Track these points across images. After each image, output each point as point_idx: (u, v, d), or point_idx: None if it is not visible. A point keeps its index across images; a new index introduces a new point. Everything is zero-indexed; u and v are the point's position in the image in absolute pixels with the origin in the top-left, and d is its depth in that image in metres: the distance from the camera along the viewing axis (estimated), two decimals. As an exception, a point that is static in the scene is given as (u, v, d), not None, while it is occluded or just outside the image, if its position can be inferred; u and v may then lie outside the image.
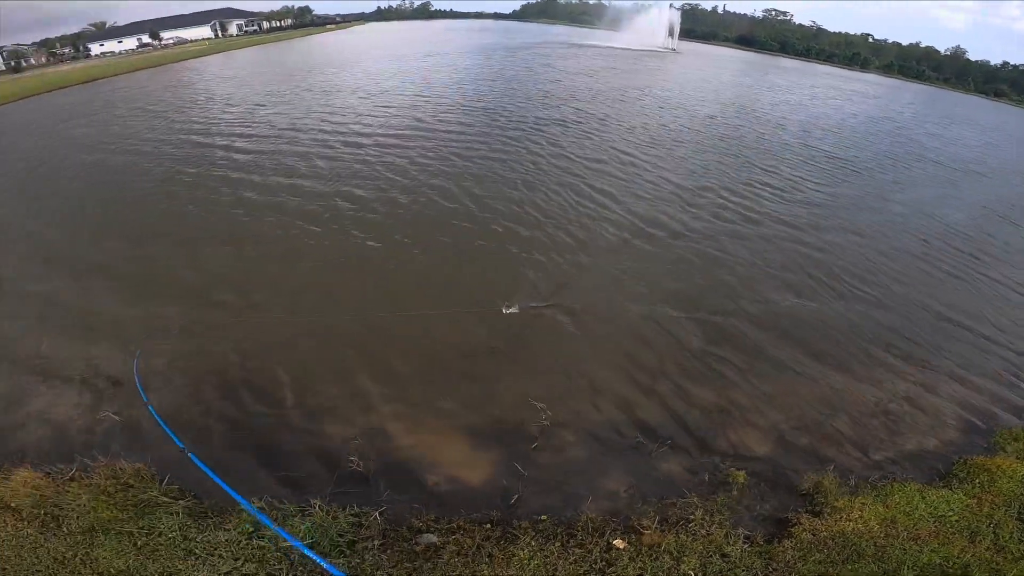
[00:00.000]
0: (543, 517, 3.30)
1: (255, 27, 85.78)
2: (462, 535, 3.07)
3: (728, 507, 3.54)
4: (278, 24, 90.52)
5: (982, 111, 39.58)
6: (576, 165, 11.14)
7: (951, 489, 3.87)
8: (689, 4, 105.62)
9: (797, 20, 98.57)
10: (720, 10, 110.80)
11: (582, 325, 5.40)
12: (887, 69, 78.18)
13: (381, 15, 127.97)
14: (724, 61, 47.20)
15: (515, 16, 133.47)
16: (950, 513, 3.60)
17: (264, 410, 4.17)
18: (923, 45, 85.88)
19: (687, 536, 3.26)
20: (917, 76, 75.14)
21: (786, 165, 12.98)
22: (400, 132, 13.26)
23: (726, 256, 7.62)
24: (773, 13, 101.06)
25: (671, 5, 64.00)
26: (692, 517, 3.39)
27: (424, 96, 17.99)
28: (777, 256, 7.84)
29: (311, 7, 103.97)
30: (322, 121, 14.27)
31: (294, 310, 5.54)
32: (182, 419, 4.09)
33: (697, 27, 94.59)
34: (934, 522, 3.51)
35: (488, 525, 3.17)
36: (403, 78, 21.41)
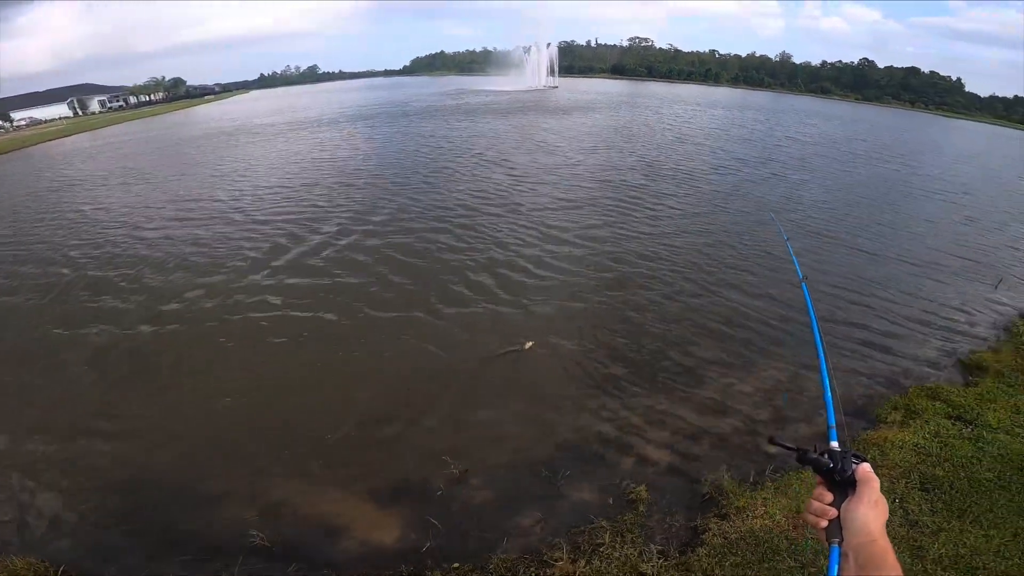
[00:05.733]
0: (455, 565, 3.24)
1: (120, 103, 79.73)
2: (372, 593, 3.03)
3: (638, 525, 3.50)
4: (148, 98, 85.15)
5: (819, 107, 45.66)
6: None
7: (847, 469, 4.00)
8: (565, 42, 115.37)
9: (657, 45, 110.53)
10: (593, 43, 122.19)
11: (464, 368, 5.44)
12: (735, 81, 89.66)
13: (264, 82, 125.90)
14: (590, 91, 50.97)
15: (406, 71, 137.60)
16: (852, 493, 3.66)
17: (163, 496, 4.03)
18: (758, 54, 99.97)
19: (600, 561, 3.17)
20: (759, 84, 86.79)
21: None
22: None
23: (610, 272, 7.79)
24: (637, 41, 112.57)
25: (548, 44, 68.83)
26: (602, 541, 3.32)
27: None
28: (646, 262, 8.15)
29: (183, 78, 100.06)
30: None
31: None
32: (79, 506, 3.98)
33: (575, 62, 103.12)
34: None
35: (398, 581, 3.13)
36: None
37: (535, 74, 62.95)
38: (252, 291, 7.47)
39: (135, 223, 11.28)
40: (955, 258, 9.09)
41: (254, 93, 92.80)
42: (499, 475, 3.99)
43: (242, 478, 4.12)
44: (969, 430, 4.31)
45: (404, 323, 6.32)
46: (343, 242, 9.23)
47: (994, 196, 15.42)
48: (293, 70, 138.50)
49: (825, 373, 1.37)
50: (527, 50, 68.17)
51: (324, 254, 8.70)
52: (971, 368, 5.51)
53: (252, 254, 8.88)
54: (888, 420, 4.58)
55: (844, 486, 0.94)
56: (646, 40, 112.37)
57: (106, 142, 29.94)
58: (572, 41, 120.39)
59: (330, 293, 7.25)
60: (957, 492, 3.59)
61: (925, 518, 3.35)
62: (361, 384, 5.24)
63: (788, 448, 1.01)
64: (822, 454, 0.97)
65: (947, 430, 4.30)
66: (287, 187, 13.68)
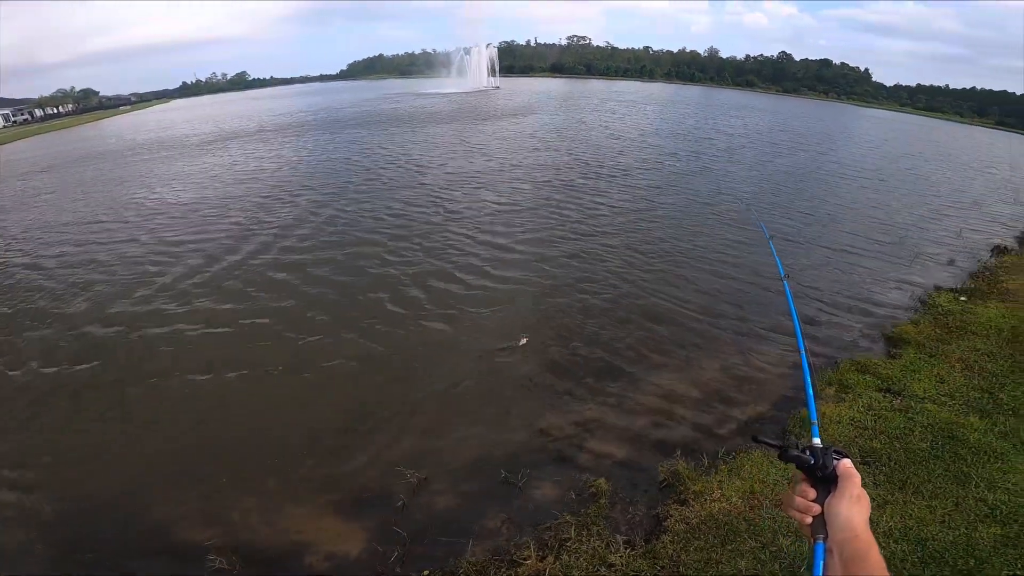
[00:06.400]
0: (425, 572, 3.22)
1: (25, 116, 72.73)
2: (345, 605, 3.00)
3: (601, 517, 3.52)
4: (56, 110, 78.06)
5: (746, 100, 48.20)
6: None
7: (792, 447, 4.14)
8: (505, 42, 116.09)
9: (595, 43, 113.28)
10: (533, 43, 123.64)
11: (412, 377, 5.36)
12: (668, 76, 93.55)
13: (188, 91, 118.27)
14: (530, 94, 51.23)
15: (343, 76, 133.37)
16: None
17: (109, 526, 3.83)
18: (689, 50, 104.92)
19: (568, 556, 3.17)
20: (690, 79, 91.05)
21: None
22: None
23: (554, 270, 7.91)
24: (576, 39, 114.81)
25: (488, 45, 68.80)
26: (568, 536, 3.34)
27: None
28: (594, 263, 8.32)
29: (95, 89, 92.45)
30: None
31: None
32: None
33: (516, 62, 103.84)
34: (789, 483, 3.59)
35: (370, 591, 3.11)
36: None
37: (476, 75, 62.81)
38: (175, 312, 6.90)
39: (30, 249, 10.11)
40: (872, 241, 9.76)
41: (175, 103, 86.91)
42: (459, 480, 3.98)
43: (194, 502, 3.90)
44: (899, 401, 4.55)
45: (344, 339, 6.06)
46: (269, 259, 8.67)
47: (904, 179, 16.89)
48: (219, 77, 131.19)
49: (807, 370, 1.35)
50: (467, 51, 67.90)
51: (251, 271, 8.14)
52: (894, 341, 5.86)
53: (176, 272, 8.14)
54: (824, 395, 4.76)
55: (826, 482, 0.95)
56: (584, 38, 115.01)
57: (3, 159, 26.98)
58: (512, 41, 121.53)
59: (264, 310, 6.81)
60: (896, 464, 3.74)
61: (869, 491, 3.48)
62: (310, 401, 5.05)
63: (771, 445, 1.00)
64: (803, 451, 0.98)
65: (879, 403, 4.52)
66: (204, 205, 12.60)
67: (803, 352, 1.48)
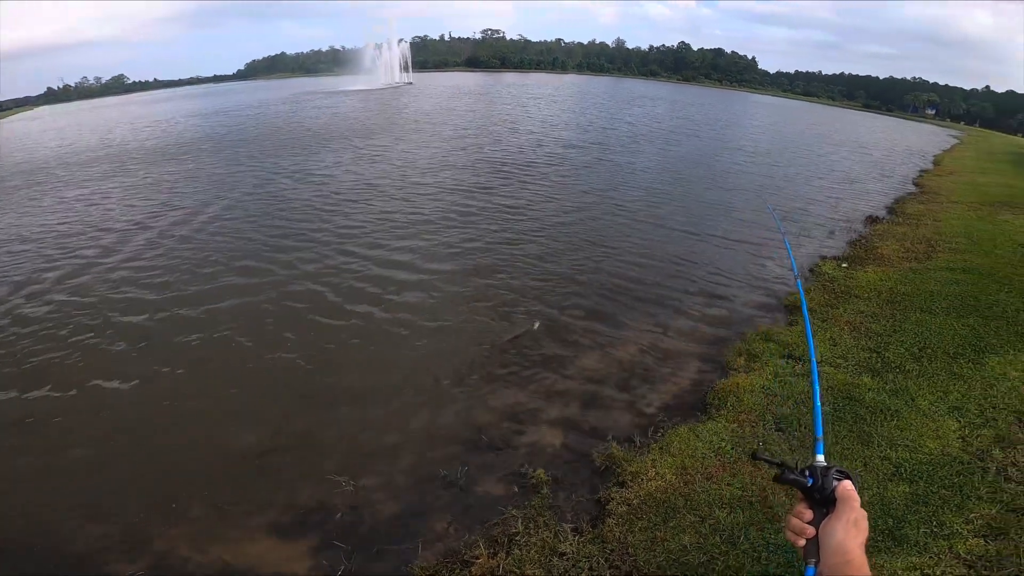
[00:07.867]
0: None
1: None
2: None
3: (546, 507, 3.54)
4: None
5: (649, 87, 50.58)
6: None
7: (713, 420, 4.19)
8: (419, 37, 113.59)
9: (508, 36, 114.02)
10: (447, 37, 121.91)
11: (332, 384, 5.21)
12: (579, 68, 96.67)
13: (55, 97, 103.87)
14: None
15: (240, 76, 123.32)
16: (724, 443, 3.82)
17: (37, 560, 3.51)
18: (598, 42, 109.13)
19: (519, 550, 3.18)
20: (600, 70, 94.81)
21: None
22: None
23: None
24: (489, 33, 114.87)
25: (400, 40, 66.98)
26: (516, 530, 3.34)
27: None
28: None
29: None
30: None
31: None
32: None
33: (431, 57, 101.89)
34: (715, 456, 3.77)
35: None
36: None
37: (388, 71, 61.00)
38: (56, 336, 5.97)
39: None
40: (763, 224, 10.14)
41: (41, 110, 75.80)
42: (398, 484, 3.87)
43: (112, 536, 3.55)
44: (800, 366, 4.81)
45: (240, 358, 5.65)
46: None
47: (787, 161, 18.59)
48: (92, 81, 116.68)
49: (816, 382, 1.32)
50: (379, 47, 65.65)
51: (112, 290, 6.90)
52: (791, 308, 6.31)
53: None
54: (736, 367, 4.97)
55: (825, 504, 0.92)
56: (498, 32, 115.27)
57: None
58: (426, 36, 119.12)
59: (163, 331, 6.08)
60: (806, 428, 3.87)
61: (787, 459, 3.80)
62: (224, 418, 4.70)
63: (770, 463, 0.98)
64: (803, 472, 0.94)
65: (783, 369, 4.78)
66: (52, 232, 10.33)
67: (814, 362, 1.45)
